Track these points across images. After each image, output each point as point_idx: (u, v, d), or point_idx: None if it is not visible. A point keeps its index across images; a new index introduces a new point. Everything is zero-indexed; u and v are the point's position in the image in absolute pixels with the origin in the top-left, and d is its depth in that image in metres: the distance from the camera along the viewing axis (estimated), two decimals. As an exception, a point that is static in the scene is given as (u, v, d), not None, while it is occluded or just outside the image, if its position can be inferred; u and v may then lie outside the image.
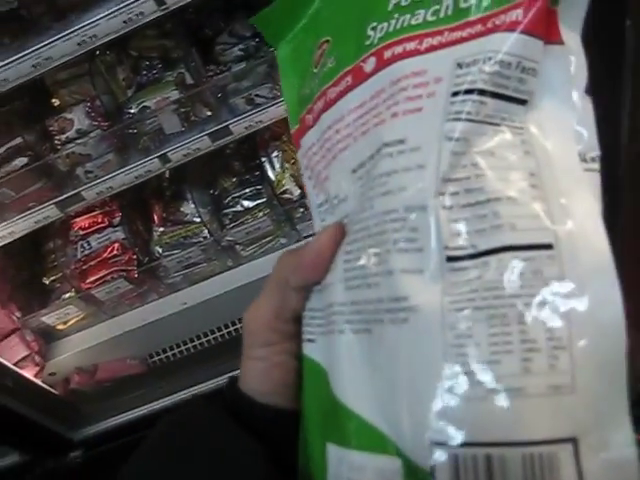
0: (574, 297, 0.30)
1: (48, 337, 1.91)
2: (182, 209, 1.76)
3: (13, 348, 1.79)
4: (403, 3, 0.37)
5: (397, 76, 0.36)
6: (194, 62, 1.54)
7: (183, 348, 1.92)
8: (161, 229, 1.78)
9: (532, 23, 0.32)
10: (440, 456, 0.31)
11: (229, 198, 1.76)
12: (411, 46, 0.36)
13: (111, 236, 1.76)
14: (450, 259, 0.32)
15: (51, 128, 1.56)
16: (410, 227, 0.33)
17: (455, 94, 0.33)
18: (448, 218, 0.32)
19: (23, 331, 1.82)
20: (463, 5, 0.35)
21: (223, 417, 0.44)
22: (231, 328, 1.89)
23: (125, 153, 1.57)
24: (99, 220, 1.78)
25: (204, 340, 1.91)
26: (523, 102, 0.33)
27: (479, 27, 0.34)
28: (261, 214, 1.72)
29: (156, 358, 1.94)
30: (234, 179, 1.77)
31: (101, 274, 1.75)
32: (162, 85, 1.53)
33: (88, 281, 1.76)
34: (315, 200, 0.43)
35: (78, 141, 1.54)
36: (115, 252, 1.74)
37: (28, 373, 1.79)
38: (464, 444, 0.30)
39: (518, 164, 0.32)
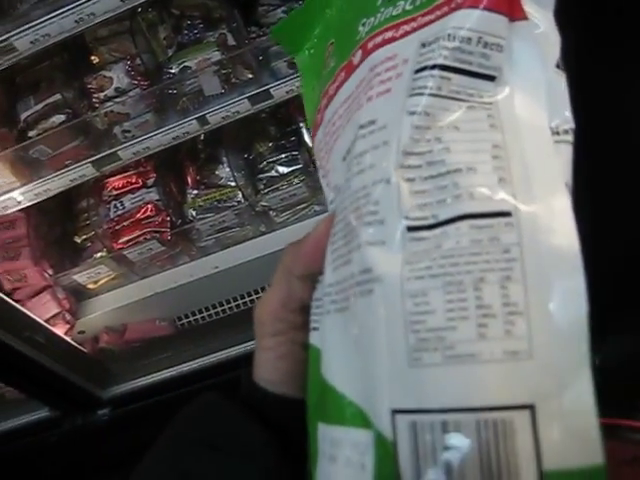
0: (532, 264, 0.30)
1: (79, 295, 1.92)
2: (217, 172, 1.75)
3: (45, 305, 1.80)
4: None
5: (374, 63, 0.38)
6: (236, 23, 1.51)
7: (212, 312, 1.92)
8: (195, 192, 1.77)
9: (493, 0, 0.33)
10: (400, 424, 0.32)
11: (264, 163, 1.75)
12: (389, 35, 0.37)
13: (145, 197, 1.75)
14: (411, 229, 0.33)
15: (89, 86, 1.55)
16: (374, 200, 0.34)
17: (417, 71, 0.34)
18: (409, 190, 0.33)
19: (55, 289, 1.83)
20: None
21: (235, 408, 0.46)
22: (261, 294, 1.88)
23: (163, 113, 1.56)
24: (133, 180, 1.77)
25: (233, 305, 1.91)
26: (491, 78, 0.34)
27: (445, 9, 0.35)
28: (296, 180, 1.71)
29: (185, 321, 1.95)
30: (270, 144, 1.75)
31: (134, 235, 1.75)
32: (203, 45, 1.51)
33: (120, 241, 1.76)
34: (328, 197, 0.44)
35: (117, 100, 1.53)
36: (149, 213, 1.73)
37: (58, 330, 1.81)
38: (421, 411, 0.31)
39: (482, 137, 0.33)
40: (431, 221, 0.32)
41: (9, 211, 1.65)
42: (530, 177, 0.32)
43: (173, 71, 1.51)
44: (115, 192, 1.78)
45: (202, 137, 1.81)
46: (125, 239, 1.75)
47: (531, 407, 0.29)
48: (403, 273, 0.32)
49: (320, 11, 0.48)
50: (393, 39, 0.37)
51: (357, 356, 0.36)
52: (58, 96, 1.54)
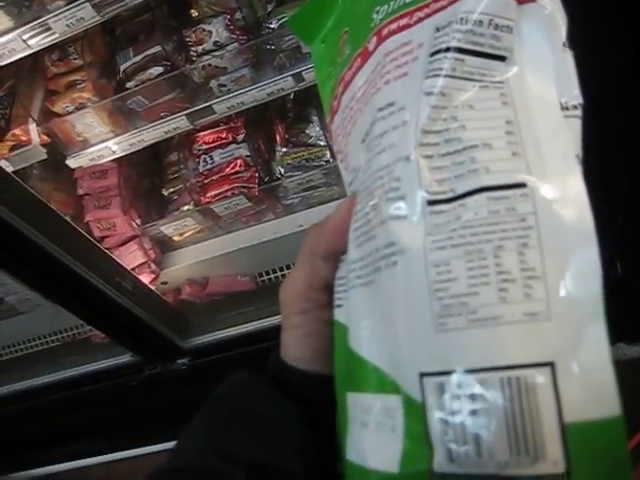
0: (547, 232, 0.32)
1: (164, 247, 1.97)
2: (307, 131, 1.75)
3: (132, 254, 1.86)
4: None
5: (389, 49, 0.40)
6: (337, -21, 1.49)
7: (294, 270, 1.92)
8: (284, 149, 1.77)
9: None
10: (428, 386, 0.34)
11: (353, 124, 1.73)
12: (404, 21, 0.39)
13: (234, 152, 1.77)
14: (431, 203, 0.35)
15: (188, 39, 1.57)
16: (395, 177, 0.36)
17: (433, 54, 0.36)
18: (429, 166, 0.35)
19: (142, 239, 1.88)
20: None
21: (266, 385, 0.48)
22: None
23: (260, 69, 1.56)
24: (223, 135, 1.79)
25: (315, 264, 1.91)
26: (502, 58, 0.36)
27: None
28: (386, 142, 1.69)
29: (265, 277, 1.97)
30: (360, 105, 1.74)
31: (222, 189, 1.77)
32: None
33: (208, 195, 1.78)
34: (346, 180, 0.46)
35: (215, 53, 1.54)
36: (238, 168, 1.75)
37: (144, 279, 1.86)
38: (448, 372, 0.33)
39: (495, 114, 0.35)
40: (450, 195, 0.35)
41: (104, 160, 1.70)
42: (542, 150, 0.34)
43: (272, 26, 1.51)
44: (205, 146, 1.80)
45: (292, 96, 1.80)
46: (213, 193, 1.78)
47: (551, 364, 0.31)
48: (425, 244, 0.34)
49: (333, 1, 0.49)
50: (408, 26, 0.39)
51: (384, 325, 0.38)
52: (158, 48, 1.56)
